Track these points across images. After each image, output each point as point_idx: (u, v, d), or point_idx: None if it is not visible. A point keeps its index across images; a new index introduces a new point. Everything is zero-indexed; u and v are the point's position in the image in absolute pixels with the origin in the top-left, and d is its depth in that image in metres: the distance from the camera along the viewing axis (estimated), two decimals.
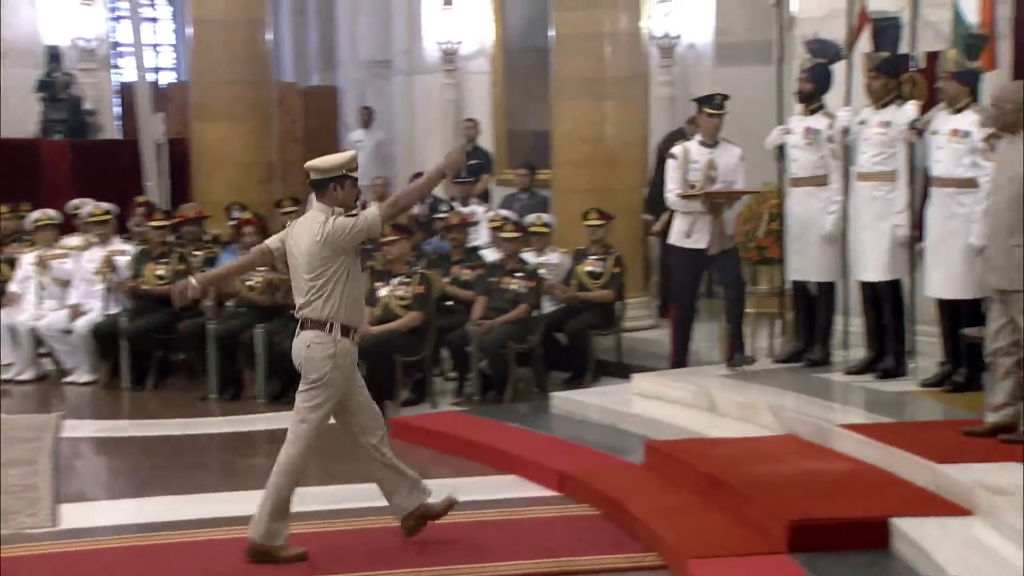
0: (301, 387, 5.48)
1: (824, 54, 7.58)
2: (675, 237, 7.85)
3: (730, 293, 7.90)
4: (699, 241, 7.72)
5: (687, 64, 11.86)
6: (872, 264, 7.29)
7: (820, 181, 7.61)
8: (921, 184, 7.20)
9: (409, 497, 5.64)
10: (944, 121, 6.95)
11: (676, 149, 7.83)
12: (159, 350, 9.55)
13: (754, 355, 8.02)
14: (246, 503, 5.69)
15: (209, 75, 11.26)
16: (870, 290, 7.46)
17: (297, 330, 5.49)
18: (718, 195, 7.69)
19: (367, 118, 14.16)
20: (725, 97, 7.81)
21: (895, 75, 7.29)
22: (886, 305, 7.39)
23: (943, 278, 6.92)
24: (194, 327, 9.29)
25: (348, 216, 5.41)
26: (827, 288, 7.79)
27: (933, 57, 7.25)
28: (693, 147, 7.78)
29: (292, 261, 5.52)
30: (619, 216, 9.69)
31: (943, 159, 6.90)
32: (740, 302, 7.93)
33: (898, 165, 7.20)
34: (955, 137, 6.85)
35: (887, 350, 7.42)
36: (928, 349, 7.45)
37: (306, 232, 5.46)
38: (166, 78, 18.48)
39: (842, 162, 7.54)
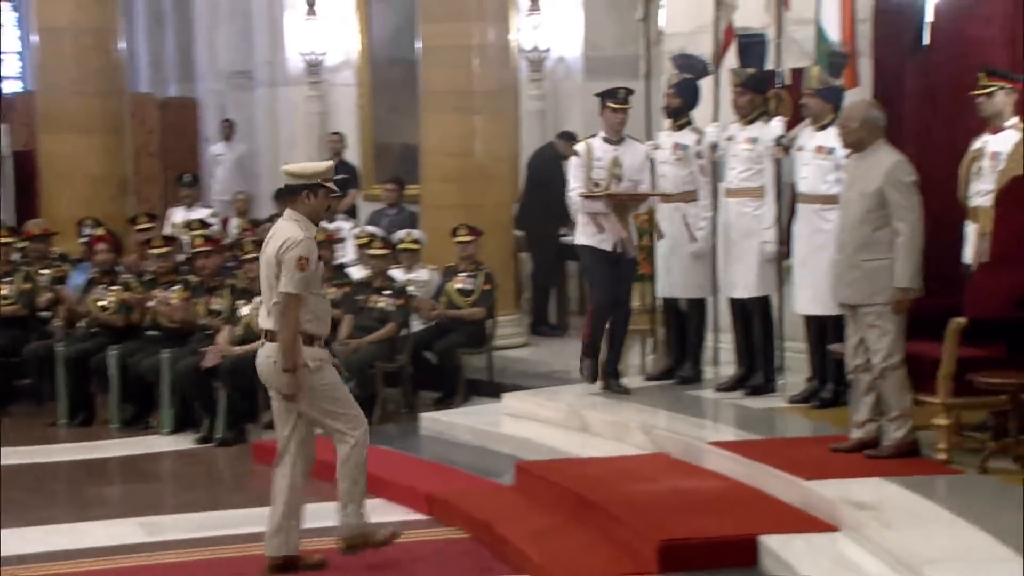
0: (273, 402, 5.62)
1: (691, 69, 7.73)
2: (583, 237, 7.56)
3: (617, 310, 7.62)
4: (606, 242, 7.46)
5: (557, 78, 11.98)
6: (741, 281, 7.47)
7: (689, 197, 7.75)
8: (789, 200, 7.40)
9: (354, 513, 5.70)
10: (809, 138, 7.16)
11: (579, 146, 7.60)
12: (2, 373, 9.24)
13: (626, 380, 7.77)
14: (98, 533, 5.52)
15: (56, 85, 10.98)
16: (739, 307, 7.63)
17: (262, 341, 5.58)
18: (623, 196, 7.43)
19: (228, 131, 13.96)
20: (629, 91, 7.57)
21: (761, 91, 7.48)
22: (755, 322, 7.56)
23: (810, 294, 7.11)
24: (41, 349, 9.03)
25: (298, 250, 5.43)
26: (697, 305, 7.93)
27: (798, 74, 7.45)
28: (597, 144, 7.50)
29: (262, 270, 5.62)
30: (489, 232, 9.73)
31: (809, 175, 7.11)
32: (626, 321, 7.68)
33: (765, 181, 7.39)
34: (820, 154, 7.07)
35: (757, 367, 7.59)
36: (797, 365, 7.64)
37: (272, 244, 5.55)
38: (10, 88, 17.92)
39: (710, 178, 7.71)
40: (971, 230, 6.68)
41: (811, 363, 7.37)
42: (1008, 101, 6.57)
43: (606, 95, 7.52)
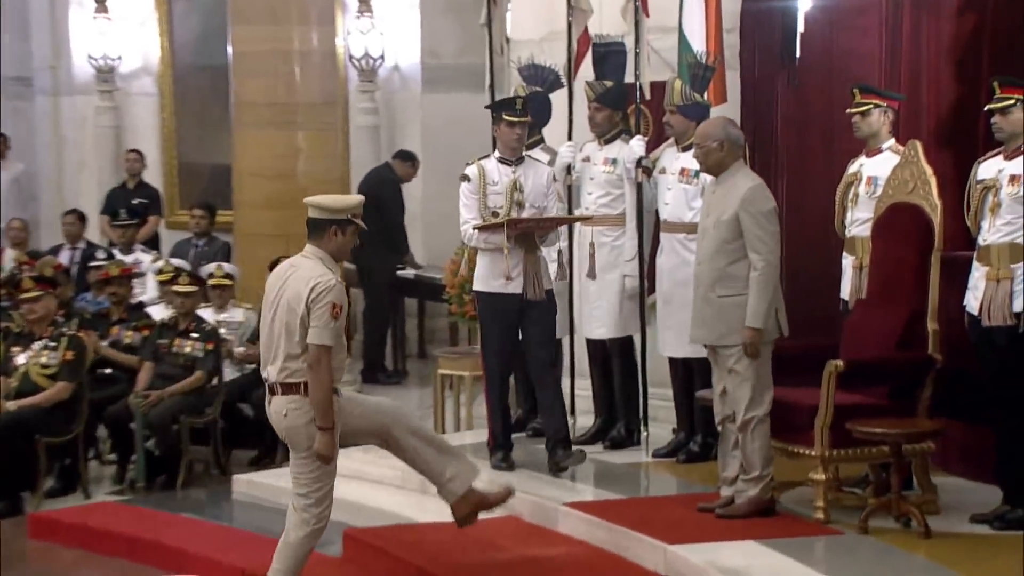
0: (294, 458, 5.79)
1: (541, 82, 7.82)
2: (480, 281, 7.18)
3: (539, 354, 7.14)
4: (513, 284, 7.03)
5: (391, 89, 12.05)
6: (600, 319, 7.56)
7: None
8: (652, 229, 7.55)
9: (457, 477, 6.05)
10: (673, 159, 7.33)
11: (470, 170, 7.20)
12: None
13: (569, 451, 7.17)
14: None
15: None
16: (598, 349, 7.74)
17: (268, 396, 5.74)
18: (525, 224, 7.05)
19: (2, 147, 13.59)
20: (528, 101, 7.35)
21: (620, 107, 7.61)
22: (616, 366, 7.68)
23: (675, 334, 7.22)
24: None
25: (332, 296, 5.59)
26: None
27: (660, 88, 7.64)
28: (491, 166, 7.18)
29: (267, 313, 5.72)
30: None
31: (672, 201, 7.27)
32: (551, 367, 7.25)
33: (626, 207, 7.50)
34: (684, 177, 7.23)
35: (617, 417, 7.70)
36: (663, 415, 7.77)
37: (292, 285, 5.67)
38: None
39: (565, 204, 7.81)
40: (848, 263, 6.91)
41: (678, 412, 7.51)
42: (884, 120, 6.83)
43: (500, 106, 7.28)
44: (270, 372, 5.74)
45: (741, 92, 7.92)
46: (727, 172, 6.28)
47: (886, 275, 6.53)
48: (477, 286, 7.24)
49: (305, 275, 5.65)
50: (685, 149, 7.18)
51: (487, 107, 7.62)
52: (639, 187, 7.44)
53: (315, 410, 5.62)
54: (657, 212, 7.45)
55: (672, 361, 7.42)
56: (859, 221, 6.82)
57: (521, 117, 7.15)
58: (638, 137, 7.51)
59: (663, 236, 7.40)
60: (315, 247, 5.74)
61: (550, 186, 7.24)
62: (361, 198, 6.01)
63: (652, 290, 7.62)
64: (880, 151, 6.84)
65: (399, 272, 11.03)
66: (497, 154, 7.26)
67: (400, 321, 11.30)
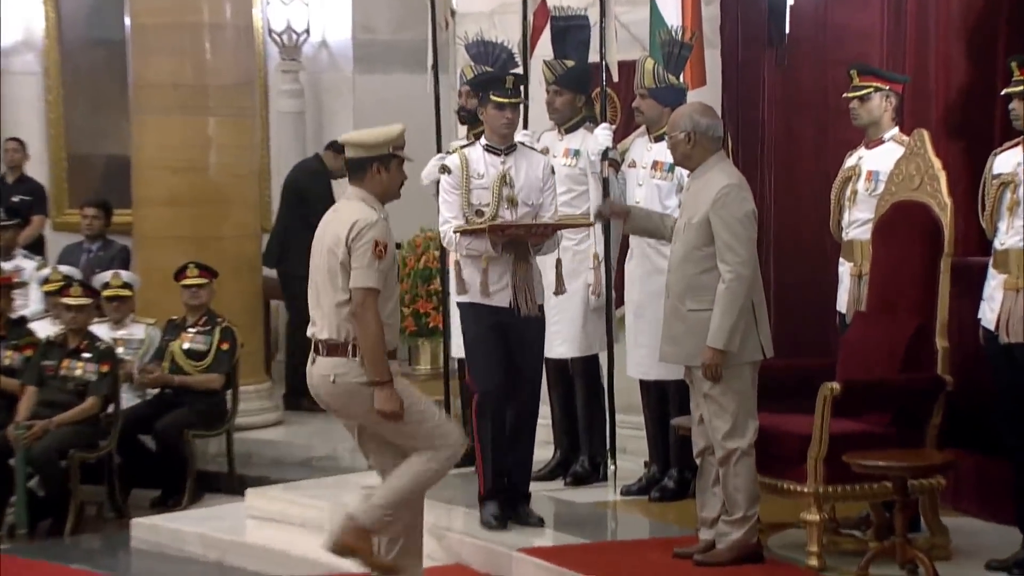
0: (364, 435, 6.07)
1: (490, 61, 7.85)
2: (462, 291, 7.02)
3: (523, 391, 7.01)
4: (500, 297, 6.90)
5: (318, 69, 12.05)
6: (561, 335, 7.58)
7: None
8: (621, 231, 7.59)
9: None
10: (644, 151, 7.38)
11: (451, 160, 7.05)
12: None
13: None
14: None
15: None
16: (559, 370, 7.77)
17: (312, 356, 5.97)
18: (512, 231, 6.90)
19: None
20: (520, 79, 7.25)
21: (583, 90, 7.66)
22: (579, 389, 7.72)
23: (647, 352, 7.25)
24: None
25: (374, 233, 5.81)
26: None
27: (629, 69, 7.69)
28: (476, 155, 7.04)
29: (312, 266, 6.01)
30: (228, 273, 9.70)
31: (644, 199, 7.31)
32: (532, 415, 7.09)
33: (590, 206, 7.50)
34: (657, 171, 7.29)
35: (581, 449, 7.73)
36: (633, 446, 7.81)
37: (332, 230, 5.92)
38: None
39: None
40: (845, 271, 6.98)
41: (650, 443, 7.54)
42: (886, 106, 6.90)
43: (488, 85, 7.08)
44: (315, 330, 5.97)
45: (722, 74, 7.98)
46: (703, 167, 6.33)
47: (889, 284, 6.58)
48: (460, 296, 7.06)
49: (346, 217, 5.91)
50: (658, 139, 7.21)
51: (469, 83, 7.56)
52: (605, 183, 7.47)
53: (366, 361, 5.82)
54: None
55: (644, 384, 7.46)
56: (858, 222, 6.89)
57: (512, 98, 7.00)
58: (604, 125, 7.56)
59: (633, 240, 7.43)
60: (358, 189, 6.00)
61: (547, 179, 7.08)
62: (402, 127, 6.15)
63: (621, 302, 7.67)
64: (882, 142, 6.92)
65: None
66: (483, 141, 7.11)
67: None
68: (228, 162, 10.08)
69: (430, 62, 8.15)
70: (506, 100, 6.98)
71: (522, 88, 7.25)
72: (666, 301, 6.40)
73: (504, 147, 7.04)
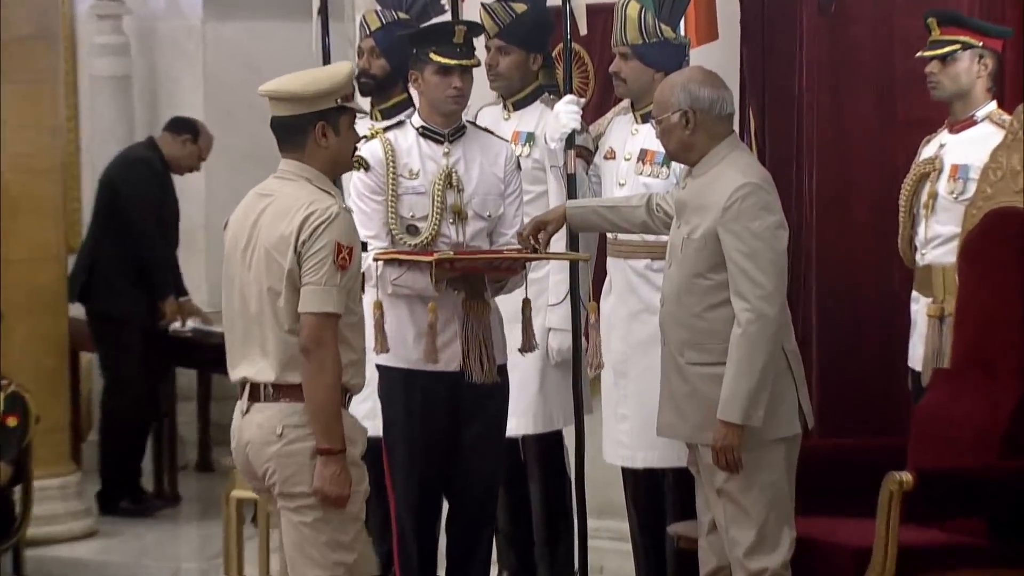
0: (289, 519, 5.95)
1: (404, 5, 7.87)
2: (387, 349, 6.98)
3: (475, 487, 7.10)
4: (443, 357, 6.91)
5: (151, 16, 12.02)
6: (512, 403, 7.43)
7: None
8: (595, 252, 7.62)
9: None
10: (626, 135, 7.39)
11: (369, 148, 7.03)
12: None
13: None
14: None
15: None
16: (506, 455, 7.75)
17: (243, 405, 5.98)
18: (468, 263, 6.91)
19: None
20: (473, 27, 7.25)
21: (538, 48, 7.67)
22: (535, 482, 7.75)
23: (634, 428, 7.27)
24: None
25: (334, 232, 5.80)
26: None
27: (604, 17, 7.66)
28: (406, 142, 7.10)
29: (234, 276, 5.98)
30: (17, 313, 9.67)
31: None
32: (486, 524, 7.23)
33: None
34: (647, 164, 7.30)
35: (536, 568, 7.74)
36: (613, 564, 7.93)
37: (268, 225, 5.89)
38: None
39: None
40: (920, 309, 7.02)
41: (637, 560, 7.54)
42: (979, 71, 6.95)
43: (426, 39, 7.10)
44: (245, 369, 5.94)
45: (742, 23, 8.02)
46: (707, 159, 6.33)
47: (983, 329, 6.60)
48: (382, 357, 7.01)
49: (288, 205, 5.86)
50: (646, 118, 7.21)
51: (406, 36, 7.38)
52: (571, 181, 7.48)
53: (313, 420, 5.83)
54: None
55: (628, 474, 7.47)
56: (939, 239, 6.93)
57: (463, 58, 7.03)
58: (569, 98, 7.54)
59: (611, 264, 7.46)
60: (296, 162, 5.97)
61: (511, 178, 7.14)
62: (351, 66, 6.22)
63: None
64: (973, 123, 6.97)
65: (166, 326, 10.94)
66: (418, 120, 7.15)
67: (167, 408, 11.23)
68: (19, 148, 10.01)
69: (316, 4, 8.12)
70: (454, 61, 6.98)
71: (474, 43, 7.20)
72: (662, 350, 6.41)
73: (449, 130, 7.07)
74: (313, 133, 5.94)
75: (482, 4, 7.69)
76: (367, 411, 7.04)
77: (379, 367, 7.01)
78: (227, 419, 11.96)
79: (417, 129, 7.06)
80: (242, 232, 5.96)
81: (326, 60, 8.14)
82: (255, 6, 11.31)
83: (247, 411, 5.97)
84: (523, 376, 7.55)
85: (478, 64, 7.19)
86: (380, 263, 6.86)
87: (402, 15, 7.78)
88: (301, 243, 5.80)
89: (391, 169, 6.98)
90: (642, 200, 6.68)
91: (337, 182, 6.51)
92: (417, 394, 6.93)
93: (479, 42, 7.55)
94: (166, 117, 11.14)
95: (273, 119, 6.02)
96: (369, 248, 6.88)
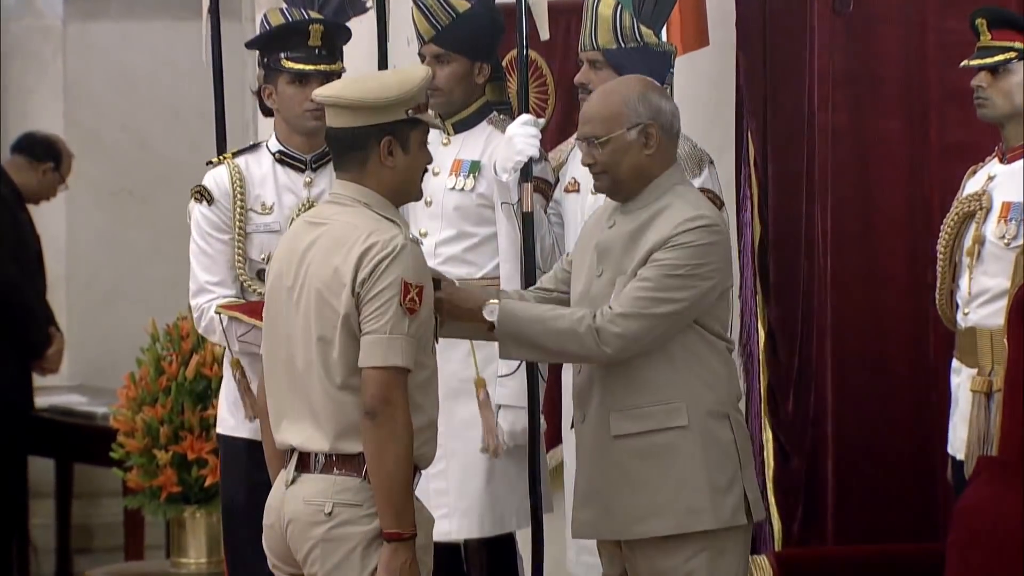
0: None
1: (316, 3, 7.87)
2: (228, 415, 7.32)
3: None
4: None
5: (3, 14, 12.04)
6: (446, 502, 7.64)
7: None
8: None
9: None
10: None
11: (212, 177, 7.30)
12: None
13: None
14: None
15: None
16: (445, 564, 7.73)
17: (288, 475, 6.04)
18: None
19: None
20: (337, 30, 7.49)
21: (486, 56, 7.72)
22: None
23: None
24: None
25: (399, 269, 5.87)
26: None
27: (570, 17, 7.72)
28: (259, 169, 7.36)
29: (274, 329, 6.08)
30: None
31: None
32: None
33: (501, 263, 7.65)
34: None
35: None
36: None
37: (318, 261, 5.97)
38: None
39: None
40: (962, 382, 7.05)
41: None
42: None
43: (275, 43, 7.39)
44: (291, 435, 6.02)
45: (738, 26, 8.12)
46: (648, 191, 6.36)
47: None
48: (223, 426, 7.28)
49: (343, 236, 5.94)
50: None
51: (249, 44, 7.65)
52: (527, 220, 7.55)
53: (380, 498, 5.88)
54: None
55: None
56: (986, 295, 6.97)
57: (320, 63, 7.25)
58: (524, 119, 7.57)
59: None
60: (353, 184, 6.04)
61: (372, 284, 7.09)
62: (427, 70, 6.27)
63: (556, 439, 7.82)
64: None
65: (30, 408, 11.00)
66: (275, 144, 7.36)
67: (18, 509, 11.25)
68: None
69: (206, 2, 8.16)
70: (311, 66, 7.21)
71: (339, 45, 7.38)
72: (577, 428, 6.47)
73: (311, 156, 7.31)
74: (378, 150, 6.01)
75: (415, 1, 7.74)
76: None
77: (219, 436, 7.29)
78: (92, 520, 12.05)
79: (273, 155, 7.24)
80: (288, 268, 6.03)
81: (217, 69, 8.18)
82: (128, 3, 11.35)
83: (292, 481, 6.00)
84: (466, 465, 7.64)
85: (342, 71, 7.33)
86: (223, 315, 7.03)
87: (314, 14, 7.80)
88: (360, 283, 5.87)
89: (239, 202, 7.15)
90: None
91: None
92: (258, 469, 6.77)
93: (408, 51, 7.64)
94: (15, 135, 11.19)
95: (328, 131, 6.09)
96: (209, 297, 7.08)
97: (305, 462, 5.97)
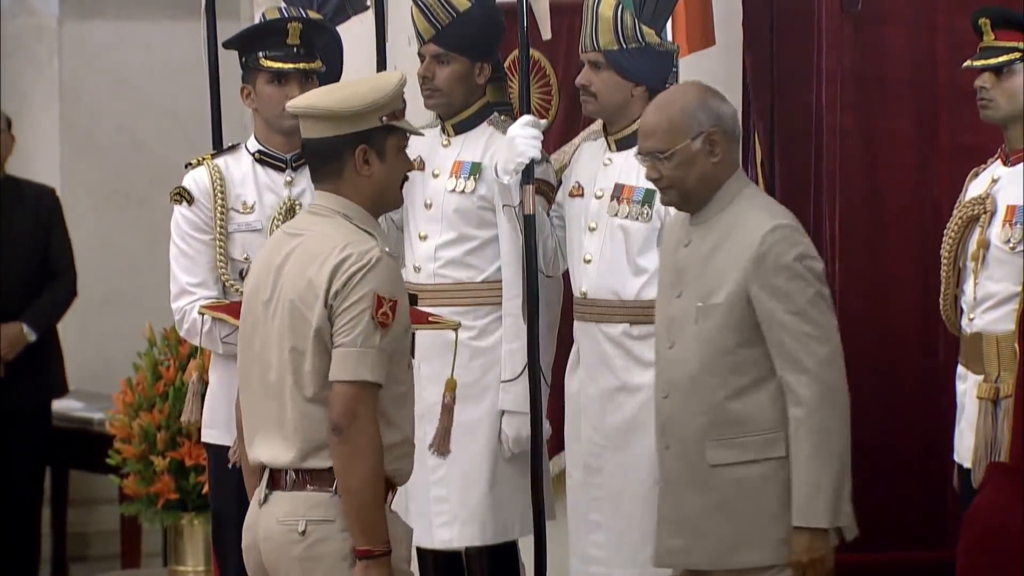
0: None
1: (316, 2, 7.94)
2: (213, 422, 7.33)
3: None
4: None
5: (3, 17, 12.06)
6: (447, 509, 7.68)
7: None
8: (554, 314, 7.70)
9: None
10: (596, 165, 7.52)
11: (193, 178, 7.35)
12: None
13: None
14: None
15: None
16: (443, 570, 7.88)
17: (261, 494, 6.01)
18: None
19: None
20: (318, 28, 7.57)
21: (485, 56, 7.76)
22: None
23: (609, 540, 7.35)
24: None
25: (374, 281, 5.87)
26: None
27: (571, 17, 7.80)
28: (240, 171, 7.42)
29: (248, 343, 6.07)
30: None
31: (597, 256, 7.45)
32: None
33: (503, 268, 7.69)
34: (624, 203, 7.42)
35: None
36: None
37: (293, 272, 5.98)
38: None
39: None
40: (969, 388, 7.08)
41: None
42: None
43: (254, 42, 7.43)
44: (261, 451, 6.02)
45: (744, 27, 8.14)
46: (719, 197, 6.39)
47: None
48: (208, 434, 7.30)
49: (318, 247, 5.96)
50: (622, 145, 7.36)
51: (227, 44, 7.67)
52: (528, 223, 7.58)
53: (349, 515, 5.88)
54: (568, 279, 7.64)
55: None
56: (990, 300, 6.99)
57: (299, 62, 7.29)
58: (526, 120, 7.63)
59: (579, 330, 7.58)
60: (330, 194, 6.07)
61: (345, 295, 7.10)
62: (401, 76, 6.23)
63: (559, 447, 7.80)
64: None
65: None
66: (254, 144, 7.39)
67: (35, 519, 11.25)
68: None
69: (203, 3, 8.18)
70: (289, 65, 7.26)
71: (318, 43, 7.41)
72: (660, 453, 6.46)
73: (292, 155, 7.33)
74: (353, 159, 6.04)
75: (415, 0, 7.78)
76: None
77: (205, 445, 7.30)
78: (89, 527, 12.06)
79: (253, 154, 7.29)
80: (265, 281, 6.05)
81: (213, 70, 8.21)
82: (125, 2, 11.37)
83: (264, 500, 6.01)
84: (467, 471, 7.67)
85: (321, 68, 7.37)
86: (206, 316, 7.08)
87: (313, 14, 7.83)
88: (333, 294, 5.89)
89: (219, 202, 7.21)
90: None
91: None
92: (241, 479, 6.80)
93: (409, 51, 7.68)
94: None
95: (304, 142, 6.13)
96: (191, 299, 7.14)
97: (277, 480, 5.99)
